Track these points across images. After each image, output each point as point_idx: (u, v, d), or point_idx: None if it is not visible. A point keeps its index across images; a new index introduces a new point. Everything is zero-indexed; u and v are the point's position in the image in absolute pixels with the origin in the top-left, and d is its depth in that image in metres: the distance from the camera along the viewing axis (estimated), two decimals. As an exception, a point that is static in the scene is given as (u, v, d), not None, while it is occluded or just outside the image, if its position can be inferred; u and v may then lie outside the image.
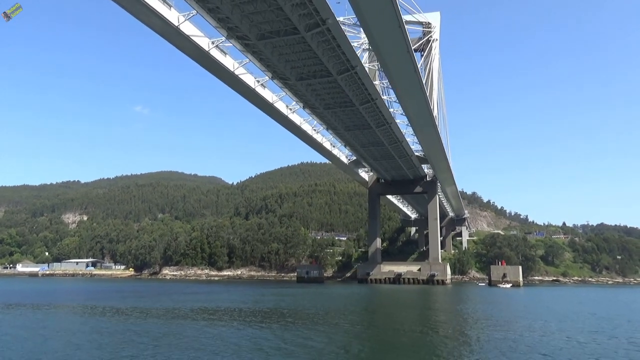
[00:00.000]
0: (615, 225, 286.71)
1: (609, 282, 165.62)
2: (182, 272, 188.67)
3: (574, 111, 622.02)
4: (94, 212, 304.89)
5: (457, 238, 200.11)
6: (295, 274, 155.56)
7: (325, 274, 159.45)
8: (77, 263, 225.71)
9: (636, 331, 37.29)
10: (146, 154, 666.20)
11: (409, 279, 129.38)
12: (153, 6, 55.43)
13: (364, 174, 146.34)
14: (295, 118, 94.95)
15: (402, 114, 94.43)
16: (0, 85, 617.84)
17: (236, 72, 72.36)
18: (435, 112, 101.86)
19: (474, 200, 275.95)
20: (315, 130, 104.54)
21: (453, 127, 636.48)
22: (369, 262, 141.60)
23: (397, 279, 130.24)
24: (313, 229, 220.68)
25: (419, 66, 75.36)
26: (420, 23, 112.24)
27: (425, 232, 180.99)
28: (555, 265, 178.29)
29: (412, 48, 65.74)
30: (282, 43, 63.32)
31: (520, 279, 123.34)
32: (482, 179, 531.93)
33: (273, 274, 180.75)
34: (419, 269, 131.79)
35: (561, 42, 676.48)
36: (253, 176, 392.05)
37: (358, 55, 70.00)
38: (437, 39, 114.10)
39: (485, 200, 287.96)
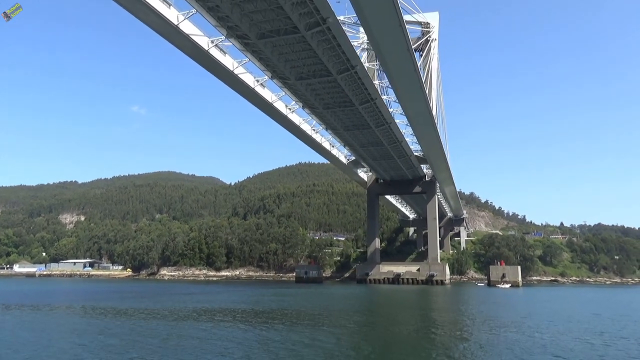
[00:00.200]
0: (613, 225, 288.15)
1: (607, 282, 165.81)
2: (180, 272, 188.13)
3: (571, 112, 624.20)
4: (91, 213, 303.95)
5: (456, 238, 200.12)
6: (294, 274, 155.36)
7: (323, 274, 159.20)
8: (74, 263, 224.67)
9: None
10: (143, 154, 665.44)
11: (407, 279, 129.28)
12: (152, 5, 55.13)
13: (363, 174, 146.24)
14: (295, 118, 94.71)
15: (401, 114, 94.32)
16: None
17: (235, 72, 72.09)
18: (434, 112, 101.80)
19: (471, 200, 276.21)
20: (314, 130, 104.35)
21: (450, 128, 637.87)
22: (367, 262, 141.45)
23: (396, 279, 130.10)
24: (311, 229, 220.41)
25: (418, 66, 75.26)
26: (419, 23, 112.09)
27: (423, 232, 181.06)
28: (554, 265, 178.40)
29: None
30: (282, 42, 63.12)
31: (520, 279, 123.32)
32: (480, 179, 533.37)
33: (271, 274, 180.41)
34: (418, 269, 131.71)
35: (561, 42, 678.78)
36: (251, 176, 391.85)
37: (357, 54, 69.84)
38: (435, 39, 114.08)
39: (483, 201, 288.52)
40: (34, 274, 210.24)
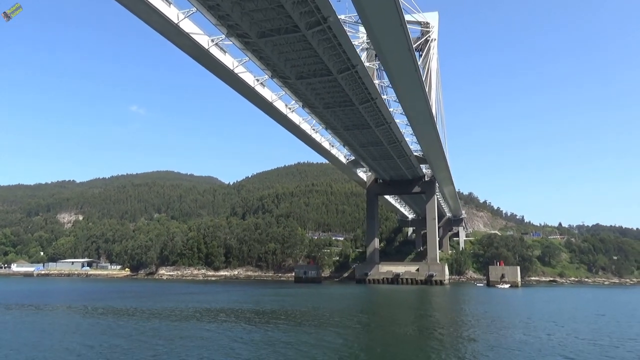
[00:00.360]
0: (611, 226, 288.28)
1: (605, 283, 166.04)
2: (178, 272, 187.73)
3: (569, 112, 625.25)
4: (89, 212, 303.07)
5: (454, 238, 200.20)
6: (293, 274, 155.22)
7: (322, 274, 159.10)
8: (72, 263, 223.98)
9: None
10: (142, 153, 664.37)
11: (407, 279, 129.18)
12: (153, 3, 54.99)
13: (362, 174, 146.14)
14: (295, 117, 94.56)
15: (401, 114, 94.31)
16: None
17: (235, 71, 71.93)
18: (433, 112, 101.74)
19: (470, 200, 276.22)
20: (314, 129, 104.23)
21: (449, 128, 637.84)
22: (366, 262, 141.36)
23: (395, 279, 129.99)
24: (310, 229, 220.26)
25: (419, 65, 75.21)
26: (418, 23, 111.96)
27: (422, 233, 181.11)
28: (552, 265, 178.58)
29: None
30: (283, 41, 63.01)
31: (519, 279, 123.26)
32: (478, 180, 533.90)
33: (270, 274, 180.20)
34: (417, 269, 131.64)
35: (561, 42, 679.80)
36: (249, 176, 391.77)
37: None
38: (435, 39, 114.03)
39: (481, 201, 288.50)
40: (32, 274, 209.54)
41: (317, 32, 59.88)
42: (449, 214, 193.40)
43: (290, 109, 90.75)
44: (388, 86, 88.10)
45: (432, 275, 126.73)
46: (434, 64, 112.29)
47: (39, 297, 71.47)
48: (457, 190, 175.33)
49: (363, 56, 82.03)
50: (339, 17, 58.17)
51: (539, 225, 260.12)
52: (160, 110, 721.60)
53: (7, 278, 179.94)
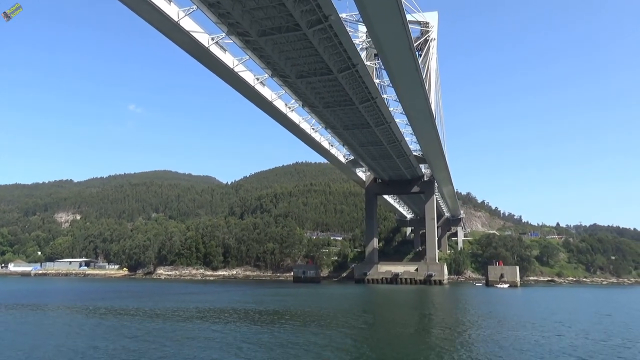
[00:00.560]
0: (608, 226, 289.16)
1: (604, 283, 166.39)
2: (176, 272, 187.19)
3: (567, 113, 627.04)
4: (87, 212, 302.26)
5: (453, 238, 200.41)
6: (291, 273, 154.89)
7: (321, 274, 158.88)
8: (70, 263, 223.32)
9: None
10: (140, 153, 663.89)
11: (406, 279, 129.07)
12: (154, 1, 54.67)
13: (361, 174, 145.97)
14: (294, 116, 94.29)
15: (400, 113, 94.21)
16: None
17: (235, 70, 71.61)
18: (433, 111, 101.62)
19: (468, 200, 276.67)
20: (313, 129, 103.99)
21: (447, 128, 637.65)
22: (365, 262, 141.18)
23: (394, 279, 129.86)
24: (308, 229, 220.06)
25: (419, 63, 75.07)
26: (418, 22, 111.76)
27: (420, 232, 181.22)
28: (550, 265, 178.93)
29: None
30: (283, 40, 62.75)
31: (518, 279, 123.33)
32: (476, 180, 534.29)
33: (268, 274, 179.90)
34: (416, 269, 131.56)
35: (560, 43, 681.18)
36: (247, 176, 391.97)
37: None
38: (434, 39, 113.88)
39: (479, 201, 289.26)
40: (29, 273, 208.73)
41: (318, 30, 59.67)
42: (447, 214, 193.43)
43: (290, 108, 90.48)
44: (388, 85, 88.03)
45: (431, 275, 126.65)
46: (433, 64, 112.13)
47: (37, 297, 70.96)
48: (455, 190, 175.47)
49: (362, 55, 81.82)
50: (339, 15, 57.99)
51: (536, 225, 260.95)
52: (158, 110, 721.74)
53: (4, 278, 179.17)
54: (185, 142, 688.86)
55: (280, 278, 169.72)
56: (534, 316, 48.47)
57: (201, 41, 63.63)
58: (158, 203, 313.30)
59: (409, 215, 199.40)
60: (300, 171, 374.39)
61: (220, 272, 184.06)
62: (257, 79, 77.91)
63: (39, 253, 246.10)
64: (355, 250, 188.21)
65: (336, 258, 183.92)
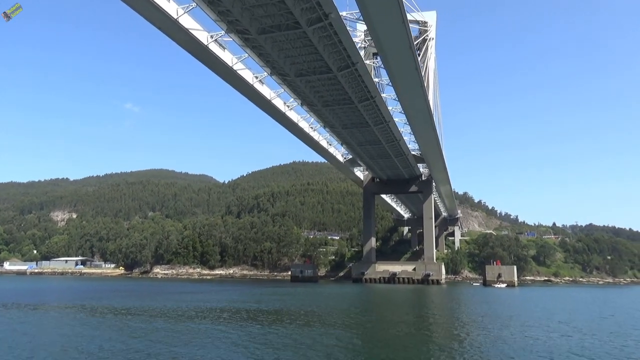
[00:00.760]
0: (604, 226, 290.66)
1: (600, 282, 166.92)
2: (173, 271, 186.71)
3: (564, 113, 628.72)
4: (83, 210, 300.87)
5: (450, 238, 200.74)
6: (288, 273, 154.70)
7: (318, 273, 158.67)
8: (66, 261, 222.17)
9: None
10: (136, 151, 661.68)
11: (403, 278, 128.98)
12: (152, -2, 54.23)
13: (359, 173, 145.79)
14: (293, 115, 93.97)
15: (399, 112, 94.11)
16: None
17: (234, 68, 71.22)
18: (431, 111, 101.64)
19: (465, 200, 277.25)
20: (312, 127, 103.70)
21: (445, 128, 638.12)
22: (363, 261, 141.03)
23: (392, 278, 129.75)
24: (306, 228, 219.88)
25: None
26: (417, 22, 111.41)
27: (418, 232, 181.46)
28: (547, 265, 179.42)
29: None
30: (283, 38, 62.39)
31: (515, 279, 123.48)
32: (473, 180, 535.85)
33: (266, 273, 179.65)
34: (414, 269, 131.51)
35: (559, 43, 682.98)
36: (244, 175, 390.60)
37: (356, 52, 69.24)
38: (433, 38, 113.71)
39: (476, 201, 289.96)
40: (25, 272, 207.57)
41: (318, 28, 59.32)
42: (444, 214, 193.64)
43: (288, 106, 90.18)
44: (387, 84, 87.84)
45: (428, 275, 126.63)
46: (431, 64, 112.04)
47: (34, 296, 70.44)
48: (452, 189, 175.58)
49: (361, 54, 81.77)
50: (340, 13, 57.74)
51: (533, 225, 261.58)
52: (155, 108, 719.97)
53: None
54: (182, 141, 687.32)
55: (278, 277, 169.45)
56: (533, 316, 48.35)
57: (200, 39, 63.20)
58: (155, 202, 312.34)
59: (406, 215, 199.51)
60: (297, 170, 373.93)
61: (217, 271, 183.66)
62: (256, 77, 77.53)
63: (35, 252, 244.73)
64: (353, 249, 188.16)
65: (333, 257, 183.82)
